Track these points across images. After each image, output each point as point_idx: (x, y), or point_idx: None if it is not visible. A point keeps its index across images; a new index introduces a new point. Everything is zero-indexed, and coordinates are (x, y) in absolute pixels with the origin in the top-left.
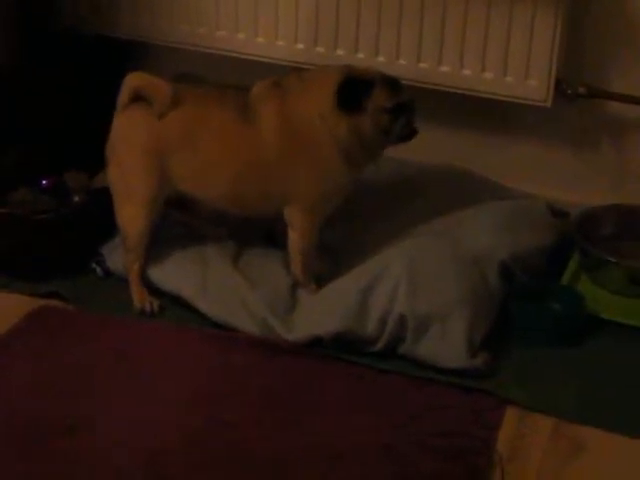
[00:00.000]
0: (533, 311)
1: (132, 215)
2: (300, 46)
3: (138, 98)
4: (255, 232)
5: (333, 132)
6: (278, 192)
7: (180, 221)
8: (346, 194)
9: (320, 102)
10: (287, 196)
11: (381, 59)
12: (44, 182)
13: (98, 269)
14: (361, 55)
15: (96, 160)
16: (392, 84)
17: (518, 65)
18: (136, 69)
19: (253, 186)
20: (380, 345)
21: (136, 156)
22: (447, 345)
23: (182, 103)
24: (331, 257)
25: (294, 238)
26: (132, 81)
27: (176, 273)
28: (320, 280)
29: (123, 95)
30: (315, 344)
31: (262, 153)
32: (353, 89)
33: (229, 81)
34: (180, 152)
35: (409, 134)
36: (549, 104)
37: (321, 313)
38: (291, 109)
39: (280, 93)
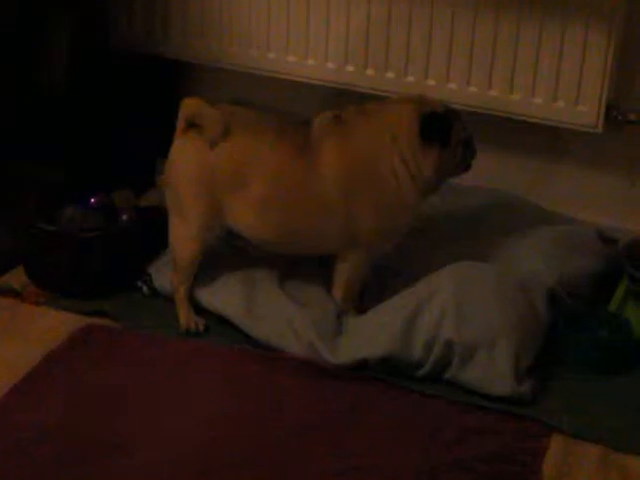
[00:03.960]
0: (580, 338)
1: (184, 237)
2: (350, 68)
3: (194, 124)
4: None
5: (417, 171)
6: (335, 233)
7: (228, 241)
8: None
9: (400, 143)
10: (347, 237)
11: (431, 82)
12: (92, 200)
13: (144, 288)
14: (411, 78)
15: (144, 179)
16: (459, 115)
17: (568, 90)
18: (188, 89)
19: (306, 226)
20: (426, 369)
21: (189, 183)
22: (493, 371)
23: (235, 134)
24: (377, 279)
25: (342, 269)
26: (186, 107)
27: (223, 293)
28: (363, 303)
29: (179, 121)
30: (360, 367)
31: (321, 191)
32: (439, 123)
33: (279, 103)
34: (231, 186)
35: (469, 164)
36: (599, 130)
37: (367, 337)
38: (358, 148)
39: (344, 129)
